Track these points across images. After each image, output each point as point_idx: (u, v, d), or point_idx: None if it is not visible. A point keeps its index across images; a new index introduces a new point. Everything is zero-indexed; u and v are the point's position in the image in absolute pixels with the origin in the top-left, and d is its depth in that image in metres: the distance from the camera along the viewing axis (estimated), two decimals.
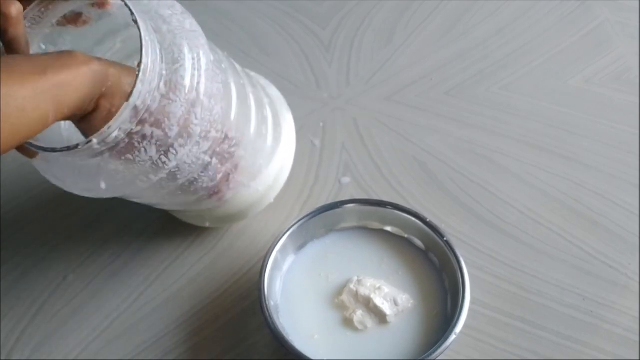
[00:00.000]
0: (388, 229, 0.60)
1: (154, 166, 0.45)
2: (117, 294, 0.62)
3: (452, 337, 0.51)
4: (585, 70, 0.78)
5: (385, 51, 0.81)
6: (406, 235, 0.60)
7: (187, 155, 0.47)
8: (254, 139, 0.57)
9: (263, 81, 0.66)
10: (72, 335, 0.60)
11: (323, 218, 0.59)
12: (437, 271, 0.58)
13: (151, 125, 0.43)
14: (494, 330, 0.59)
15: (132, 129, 0.43)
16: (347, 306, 0.56)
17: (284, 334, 0.52)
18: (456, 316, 0.52)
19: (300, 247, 0.60)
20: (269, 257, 0.56)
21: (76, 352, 0.59)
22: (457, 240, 0.63)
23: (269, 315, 0.52)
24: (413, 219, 0.58)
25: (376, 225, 0.61)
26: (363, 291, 0.55)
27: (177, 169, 0.47)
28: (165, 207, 0.60)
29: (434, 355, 0.50)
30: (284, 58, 0.80)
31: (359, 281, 0.56)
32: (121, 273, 0.63)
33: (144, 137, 0.44)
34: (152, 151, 0.44)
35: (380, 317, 0.55)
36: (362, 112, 0.75)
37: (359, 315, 0.55)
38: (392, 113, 0.75)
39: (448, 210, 0.66)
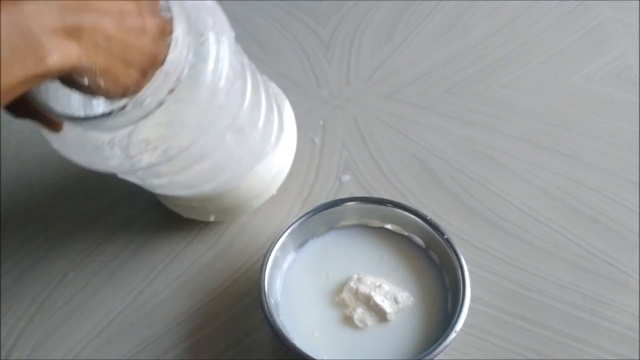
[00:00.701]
0: (388, 226, 0.60)
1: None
2: (117, 292, 0.62)
3: (453, 335, 0.51)
4: (586, 68, 0.78)
5: (385, 49, 0.81)
6: (406, 233, 0.60)
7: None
8: (263, 123, 0.58)
9: (263, 76, 0.67)
10: (72, 333, 0.60)
11: (323, 216, 0.59)
12: (437, 269, 0.58)
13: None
14: (494, 328, 0.59)
15: (164, 98, 0.43)
16: (348, 304, 0.56)
17: (284, 331, 0.52)
18: (456, 314, 0.52)
19: (301, 245, 0.60)
20: (269, 255, 0.55)
21: (76, 350, 0.59)
22: (457, 238, 0.63)
23: (269, 313, 0.52)
24: (413, 216, 0.58)
25: (376, 223, 0.60)
26: (363, 289, 0.55)
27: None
28: (181, 191, 0.59)
29: (434, 354, 0.50)
30: (284, 56, 0.80)
31: (359, 279, 0.56)
32: (121, 271, 0.63)
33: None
34: None
35: (380, 315, 0.55)
36: (362, 110, 0.75)
37: (359, 313, 0.55)
38: (392, 111, 0.75)
39: (448, 208, 0.66)
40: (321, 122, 0.74)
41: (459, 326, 0.51)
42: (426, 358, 0.50)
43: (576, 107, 0.74)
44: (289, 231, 0.57)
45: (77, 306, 0.62)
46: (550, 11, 0.84)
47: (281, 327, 0.52)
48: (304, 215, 0.58)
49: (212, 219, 0.64)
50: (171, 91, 0.43)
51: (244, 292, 0.62)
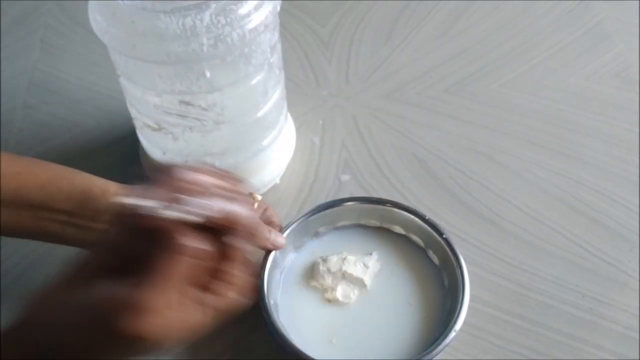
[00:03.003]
0: (387, 226, 0.60)
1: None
2: None
3: (452, 334, 0.51)
4: (585, 67, 0.78)
5: (385, 49, 0.81)
6: (405, 233, 0.60)
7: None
8: (279, 96, 0.64)
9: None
10: None
11: (322, 216, 0.59)
12: (436, 269, 0.58)
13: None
14: (493, 328, 0.58)
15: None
16: (325, 287, 0.56)
17: (284, 332, 0.52)
18: (456, 313, 0.52)
19: (300, 245, 0.60)
20: (268, 256, 0.55)
21: None
22: (456, 237, 0.63)
23: (269, 314, 0.52)
24: (412, 216, 0.58)
25: (375, 223, 0.61)
26: (332, 267, 0.56)
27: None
28: None
29: (433, 353, 0.50)
30: (283, 55, 0.80)
31: (324, 261, 0.57)
32: None
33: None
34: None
35: (358, 283, 0.56)
36: (361, 110, 0.75)
37: (340, 290, 0.56)
38: (391, 111, 0.75)
39: (447, 208, 0.66)
40: (320, 122, 0.74)
41: (458, 325, 0.51)
42: (426, 357, 0.50)
43: (576, 106, 0.74)
44: (287, 232, 0.57)
45: None
46: (549, 10, 0.84)
47: (281, 327, 0.52)
48: (303, 216, 0.58)
49: None
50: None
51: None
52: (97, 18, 0.52)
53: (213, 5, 0.51)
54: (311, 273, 0.58)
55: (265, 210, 0.55)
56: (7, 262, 0.64)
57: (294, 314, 0.56)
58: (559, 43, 0.80)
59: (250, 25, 0.52)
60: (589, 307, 0.59)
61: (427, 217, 0.58)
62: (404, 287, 0.57)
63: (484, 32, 0.82)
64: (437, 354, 0.51)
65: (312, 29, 0.84)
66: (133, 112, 0.62)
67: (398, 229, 0.60)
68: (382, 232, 0.61)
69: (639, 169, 0.68)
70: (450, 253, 0.56)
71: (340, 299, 0.56)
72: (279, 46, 0.61)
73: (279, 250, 0.56)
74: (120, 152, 0.70)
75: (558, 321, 0.59)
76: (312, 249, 0.60)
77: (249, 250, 0.43)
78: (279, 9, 0.57)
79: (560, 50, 0.80)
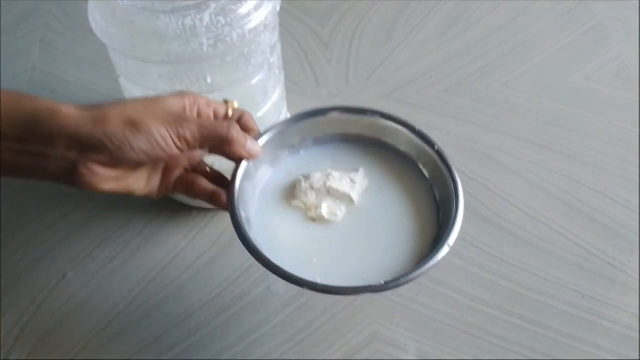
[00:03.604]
0: (373, 139, 0.56)
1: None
2: (117, 292, 0.62)
3: (445, 249, 0.47)
4: (585, 67, 0.78)
5: (385, 49, 0.81)
6: (394, 146, 0.56)
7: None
8: (279, 96, 0.64)
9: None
10: (71, 333, 0.60)
11: (302, 127, 0.55)
12: (427, 183, 0.54)
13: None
14: (493, 328, 0.59)
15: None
16: (309, 206, 0.53)
17: (255, 244, 0.47)
18: (449, 228, 0.48)
19: (276, 158, 0.55)
20: (240, 165, 0.51)
21: (76, 350, 0.59)
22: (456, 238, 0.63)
23: (238, 224, 0.48)
24: (401, 128, 0.54)
25: (360, 135, 0.56)
26: (316, 184, 0.52)
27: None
28: None
29: (424, 269, 0.46)
30: (283, 56, 0.80)
31: (306, 178, 0.53)
32: (121, 271, 0.63)
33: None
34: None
35: (345, 200, 0.52)
36: None
37: (325, 207, 0.52)
38: (391, 110, 0.75)
39: None
40: None
41: (451, 241, 0.47)
42: (416, 273, 0.46)
43: (576, 106, 0.74)
44: (264, 141, 0.53)
45: (76, 306, 0.62)
46: (549, 10, 0.84)
47: (252, 240, 0.47)
48: (281, 124, 0.54)
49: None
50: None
51: (245, 290, 0.62)
52: (97, 18, 0.53)
53: (213, 5, 0.51)
54: (292, 193, 0.54)
55: (241, 116, 0.52)
56: (8, 262, 0.64)
57: (271, 234, 0.51)
58: (558, 43, 0.80)
59: (250, 25, 0.52)
60: (588, 307, 0.59)
61: (417, 129, 0.53)
62: (395, 204, 0.53)
63: (484, 32, 0.82)
64: (428, 270, 0.46)
65: (312, 29, 0.84)
66: None
67: (385, 143, 0.56)
68: (369, 148, 0.56)
69: (639, 169, 0.68)
70: (442, 165, 0.52)
71: (326, 216, 0.52)
72: (278, 46, 0.61)
73: (253, 162, 0.52)
74: None
75: (558, 321, 0.59)
76: (292, 168, 0.56)
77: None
78: (278, 9, 0.57)
79: (560, 50, 0.80)
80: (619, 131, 0.72)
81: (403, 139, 0.55)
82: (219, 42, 0.51)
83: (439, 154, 0.52)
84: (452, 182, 0.51)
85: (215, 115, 0.50)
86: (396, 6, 0.86)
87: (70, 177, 0.43)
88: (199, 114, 0.48)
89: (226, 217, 0.64)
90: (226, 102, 0.51)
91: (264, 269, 0.45)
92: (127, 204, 0.67)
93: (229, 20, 0.51)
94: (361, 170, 0.54)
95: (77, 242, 0.65)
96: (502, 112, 0.74)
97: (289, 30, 0.84)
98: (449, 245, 0.47)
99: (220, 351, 0.58)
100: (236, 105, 0.52)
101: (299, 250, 0.50)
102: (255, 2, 0.53)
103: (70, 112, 0.42)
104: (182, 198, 0.65)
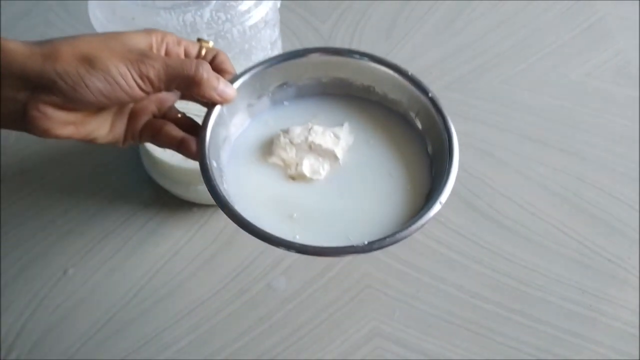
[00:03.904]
0: (358, 84, 0.51)
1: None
2: (118, 288, 0.62)
3: (437, 206, 0.43)
4: (586, 64, 0.78)
5: (385, 45, 0.81)
6: (381, 93, 0.51)
7: None
8: None
9: None
10: (72, 329, 0.60)
11: (282, 68, 0.49)
12: (418, 136, 0.49)
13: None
14: (493, 324, 0.59)
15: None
16: (288, 163, 0.48)
17: (227, 197, 0.43)
18: (441, 184, 0.44)
19: (254, 108, 0.50)
20: (213, 109, 0.46)
21: (76, 347, 0.59)
22: (456, 234, 0.63)
23: (207, 173, 0.43)
24: (391, 72, 0.49)
25: (346, 80, 0.51)
26: (296, 138, 0.47)
27: None
28: None
29: (414, 227, 0.42)
30: (283, 52, 0.80)
31: (285, 133, 0.48)
32: (121, 267, 0.63)
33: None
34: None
35: (329, 156, 0.48)
36: None
37: (306, 164, 0.47)
38: None
39: (447, 204, 0.65)
40: None
41: (444, 197, 0.43)
42: (406, 232, 0.42)
43: (576, 103, 0.74)
44: (239, 84, 0.47)
45: (77, 302, 0.62)
46: (550, 7, 0.84)
47: (223, 192, 0.43)
48: (258, 65, 0.48)
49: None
50: None
51: (245, 287, 0.62)
52: (97, 15, 0.53)
53: (213, 2, 0.51)
54: (269, 149, 0.49)
55: (215, 56, 0.46)
56: (8, 258, 0.64)
57: (245, 188, 0.47)
58: (559, 39, 0.80)
59: (251, 22, 0.52)
60: (588, 303, 0.60)
61: (410, 73, 0.48)
62: (383, 158, 0.49)
63: (484, 29, 0.82)
64: (418, 229, 0.42)
65: (312, 25, 0.84)
66: None
67: (371, 89, 0.51)
68: (355, 103, 0.51)
69: (639, 165, 0.68)
70: (436, 115, 0.47)
71: (308, 174, 0.47)
72: (279, 43, 0.61)
73: (227, 108, 0.47)
74: (120, 150, 0.70)
75: (558, 317, 0.59)
76: (271, 120, 0.51)
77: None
78: (279, 5, 0.57)
79: (560, 46, 0.80)
80: (619, 128, 0.72)
81: (393, 86, 0.50)
82: (220, 38, 0.51)
83: (433, 101, 0.48)
84: (446, 133, 0.46)
85: (186, 55, 0.46)
86: (396, 3, 0.86)
87: (22, 121, 0.39)
88: (167, 53, 0.44)
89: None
90: (200, 40, 0.47)
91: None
92: (128, 201, 0.67)
93: (229, 16, 0.51)
94: (346, 125, 0.50)
95: (77, 239, 0.65)
96: (503, 109, 0.74)
97: (289, 27, 0.84)
98: (440, 203, 0.43)
99: (221, 347, 0.58)
100: (211, 44, 0.47)
101: (276, 207, 0.46)
102: None
103: (17, 48, 0.38)
104: (181, 193, 0.65)
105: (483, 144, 0.71)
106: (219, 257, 0.64)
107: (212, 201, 0.41)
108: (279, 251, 0.41)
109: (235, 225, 0.40)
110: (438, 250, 0.63)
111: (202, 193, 0.64)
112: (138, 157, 0.68)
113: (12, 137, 0.72)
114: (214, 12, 0.51)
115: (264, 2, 0.53)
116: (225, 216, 0.39)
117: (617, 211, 0.65)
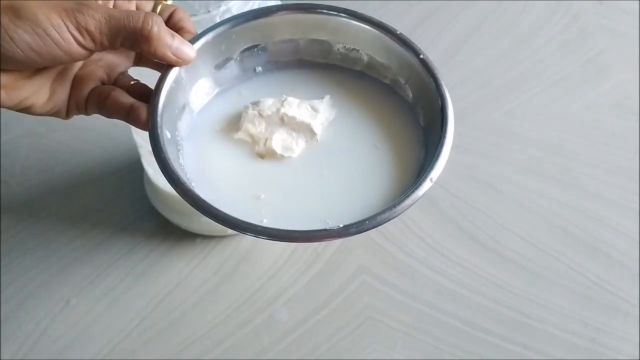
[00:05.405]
0: (340, 49, 0.45)
1: None
2: (120, 319, 0.62)
3: (427, 183, 0.37)
4: (586, 97, 0.78)
5: None
6: (366, 58, 0.45)
7: None
8: None
9: None
10: (74, 359, 0.60)
11: (250, 29, 0.43)
12: (408, 105, 0.44)
13: None
14: (496, 356, 0.58)
15: None
16: (256, 138, 0.42)
17: (179, 172, 0.37)
18: (433, 159, 0.38)
19: (221, 74, 0.44)
20: (169, 72, 0.40)
21: None
22: (458, 265, 0.63)
23: (157, 144, 0.38)
24: (377, 31, 0.43)
25: (324, 39, 0.45)
26: (266, 110, 0.42)
27: None
28: None
29: (400, 207, 0.37)
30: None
31: (254, 104, 0.42)
32: (124, 298, 0.64)
33: None
34: None
35: (304, 131, 0.42)
36: None
37: (277, 139, 0.41)
38: None
39: (449, 236, 0.66)
40: None
41: (435, 174, 0.38)
42: (391, 212, 0.37)
43: (576, 135, 0.75)
44: (201, 43, 0.41)
45: (79, 333, 0.62)
46: (550, 41, 0.85)
47: (180, 171, 0.37)
48: (224, 23, 0.42)
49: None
50: None
51: (248, 318, 0.62)
52: None
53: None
54: (236, 123, 0.43)
55: (172, 13, 0.40)
56: (10, 288, 0.64)
57: (206, 165, 0.42)
58: (559, 72, 0.81)
59: None
60: (591, 336, 0.59)
61: (398, 32, 0.42)
62: (368, 130, 0.43)
63: (485, 62, 0.83)
64: (406, 208, 0.37)
65: None
66: (138, 140, 0.62)
67: (354, 53, 0.45)
68: (335, 72, 0.46)
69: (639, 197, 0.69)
70: (428, 80, 0.42)
71: (279, 150, 0.41)
72: None
73: (186, 71, 0.41)
74: (125, 179, 0.71)
75: (560, 350, 0.59)
76: (242, 90, 0.45)
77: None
78: None
79: (560, 79, 0.80)
80: (619, 160, 0.72)
81: (380, 48, 0.44)
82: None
83: (425, 63, 0.42)
84: (439, 100, 0.41)
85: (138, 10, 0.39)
86: None
87: None
88: (114, 6, 0.38)
89: (230, 244, 0.65)
90: None
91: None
92: (132, 231, 0.67)
93: None
94: (327, 98, 0.44)
95: (80, 269, 0.66)
96: (504, 141, 0.74)
97: None
98: (431, 180, 0.38)
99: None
100: (169, 2, 0.41)
101: (240, 187, 0.41)
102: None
103: None
104: (185, 224, 0.65)
105: (484, 175, 0.71)
106: (221, 288, 0.64)
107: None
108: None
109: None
110: (440, 282, 0.63)
111: (205, 224, 0.64)
112: (142, 188, 0.69)
113: (17, 168, 0.73)
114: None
115: None
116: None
117: (619, 243, 0.65)
